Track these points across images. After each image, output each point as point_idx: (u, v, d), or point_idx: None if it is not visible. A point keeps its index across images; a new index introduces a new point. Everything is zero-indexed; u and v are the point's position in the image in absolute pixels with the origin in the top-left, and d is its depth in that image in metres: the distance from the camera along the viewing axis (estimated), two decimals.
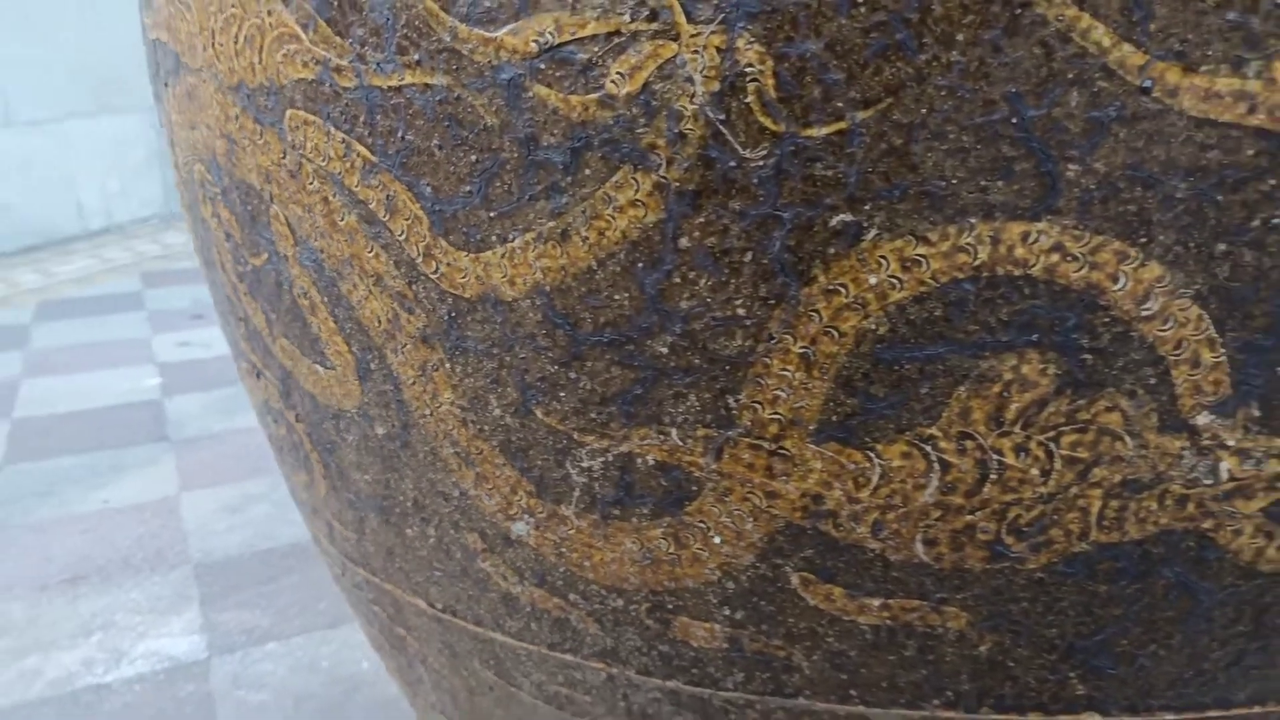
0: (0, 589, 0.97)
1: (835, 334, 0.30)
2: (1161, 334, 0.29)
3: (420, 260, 0.34)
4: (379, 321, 0.37)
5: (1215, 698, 0.36)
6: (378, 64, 0.33)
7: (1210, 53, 0.26)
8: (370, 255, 0.36)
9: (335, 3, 0.33)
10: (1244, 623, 0.34)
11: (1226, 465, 0.31)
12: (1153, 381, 0.30)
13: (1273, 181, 0.28)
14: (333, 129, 0.35)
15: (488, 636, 0.42)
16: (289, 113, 0.36)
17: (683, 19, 0.28)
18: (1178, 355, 0.29)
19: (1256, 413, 0.30)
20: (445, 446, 0.38)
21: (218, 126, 0.40)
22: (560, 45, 0.30)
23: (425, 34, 0.32)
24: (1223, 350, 0.29)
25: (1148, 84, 0.27)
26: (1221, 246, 0.28)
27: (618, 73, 0.29)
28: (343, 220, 0.36)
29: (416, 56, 0.32)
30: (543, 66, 0.30)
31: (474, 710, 0.47)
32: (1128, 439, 0.30)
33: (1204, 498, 0.31)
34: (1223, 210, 0.28)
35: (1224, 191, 0.28)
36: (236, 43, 0.37)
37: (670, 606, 0.36)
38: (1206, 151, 0.27)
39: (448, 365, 0.36)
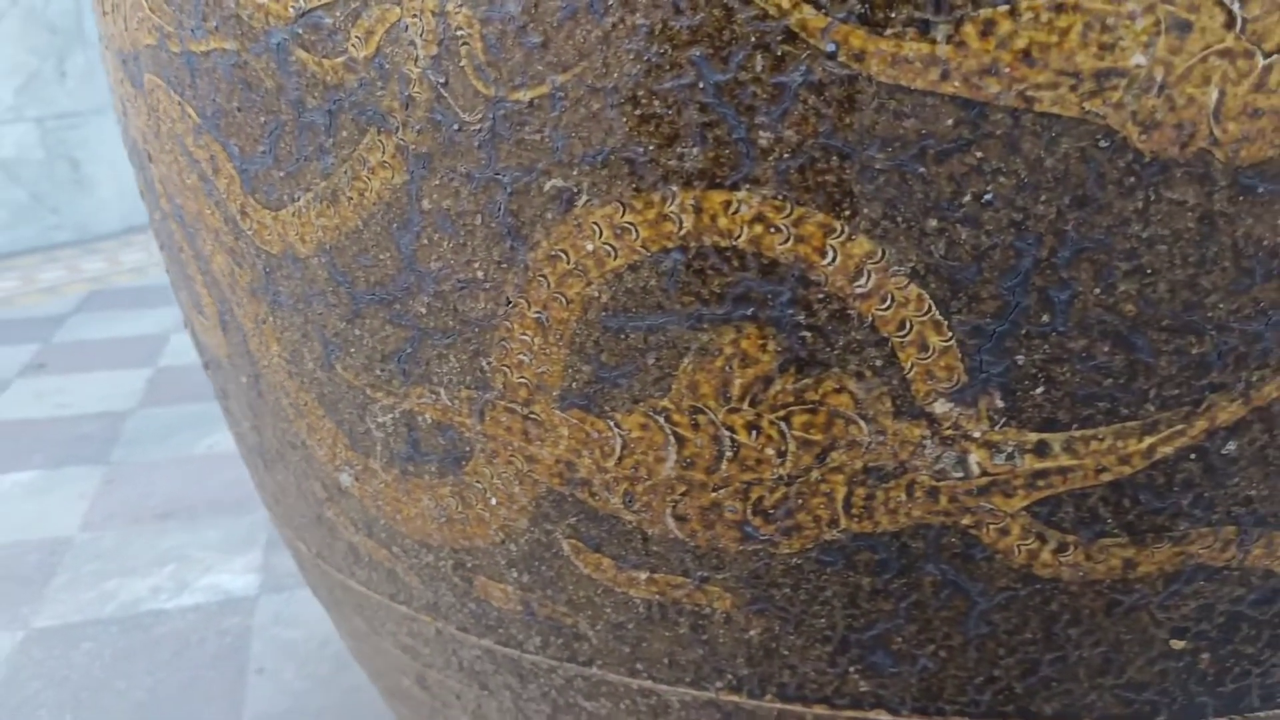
0: (102, 519, 1.06)
1: (563, 300, 0.30)
2: (881, 314, 0.28)
3: (239, 217, 0.36)
4: (223, 275, 0.39)
5: (1016, 708, 0.34)
6: (191, 30, 0.35)
7: (895, 15, 0.25)
8: (209, 212, 0.38)
9: None
10: (1031, 631, 0.32)
11: (975, 458, 0.29)
12: (879, 364, 0.28)
13: (979, 154, 0.26)
14: (171, 92, 0.37)
15: (347, 584, 0.44)
16: (146, 77, 0.38)
17: None
18: (902, 337, 0.28)
19: (1000, 403, 0.28)
20: (282, 397, 0.40)
21: (118, 91, 0.43)
22: (311, 10, 0.31)
23: (220, 1, 0.33)
24: (951, 334, 0.28)
25: (831, 48, 0.25)
26: (933, 222, 0.26)
27: (356, 36, 0.30)
28: (189, 179, 0.38)
29: (214, 23, 0.34)
30: (300, 31, 0.31)
31: (361, 656, 0.49)
32: (862, 423, 0.29)
33: (956, 492, 0.30)
34: (928, 184, 0.26)
35: (926, 163, 0.26)
36: (114, 12, 0.40)
37: (470, 565, 0.37)
38: (902, 120, 0.26)
39: (271, 319, 0.38)
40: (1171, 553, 0.31)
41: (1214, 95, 0.25)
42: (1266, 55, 0.24)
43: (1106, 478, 0.29)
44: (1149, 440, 0.29)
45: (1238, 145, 0.25)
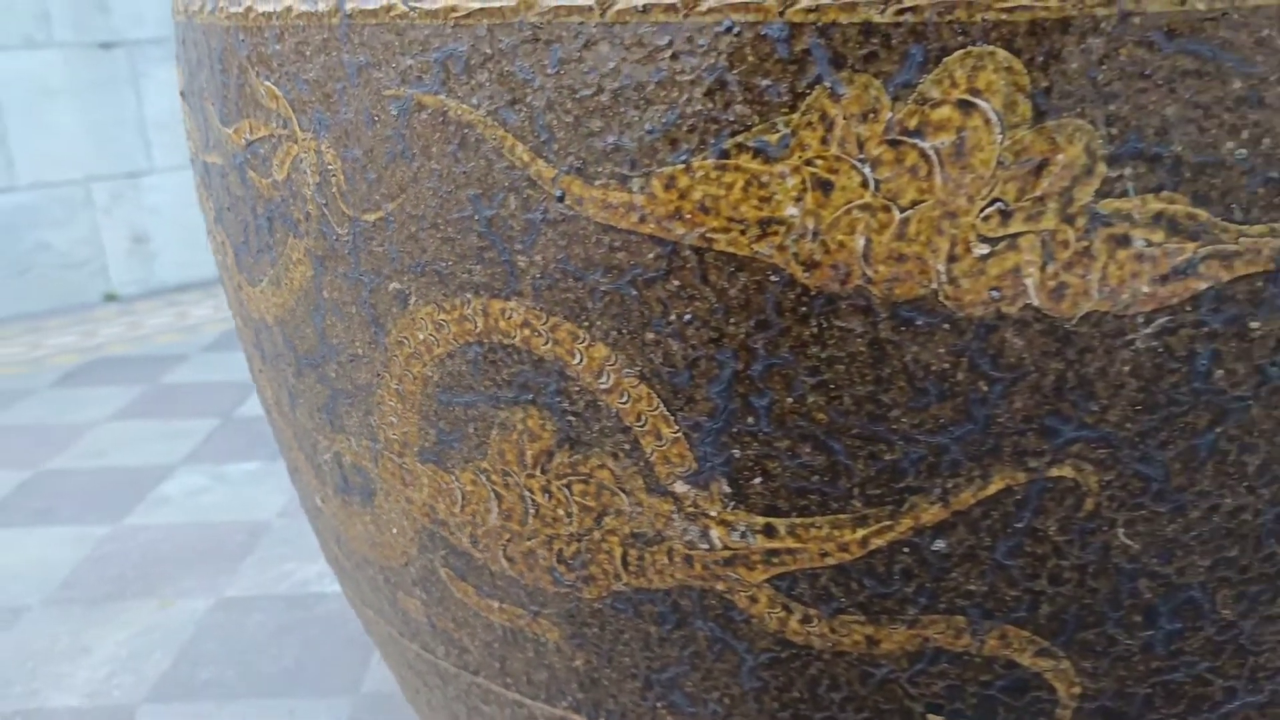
0: (296, 508, 1.23)
1: (411, 376, 0.38)
2: (622, 406, 0.33)
3: (237, 289, 0.46)
4: (240, 333, 0.50)
5: None
6: (203, 145, 0.45)
7: (601, 169, 0.31)
8: (228, 281, 0.48)
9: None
10: (798, 690, 0.36)
11: (716, 534, 0.34)
12: (628, 447, 0.34)
13: (677, 282, 0.31)
14: (202, 189, 0.48)
15: (338, 588, 0.53)
16: (195, 176, 0.49)
17: (298, 129, 0.37)
18: (641, 427, 0.33)
19: (727, 489, 0.33)
20: (281, 431, 0.49)
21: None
22: (253, 142, 0.40)
23: (215, 129, 0.43)
24: (678, 427, 0.33)
25: (559, 193, 0.32)
26: (650, 335, 0.32)
27: (276, 163, 0.39)
28: (218, 256, 0.49)
29: (212, 143, 0.44)
30: (249, 156, 0.41)
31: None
32: (623, 495, 0.35)
33: (707, 561, 0.35)
34: (642, 304, 0.32)
35: (638, 288, 0.32)
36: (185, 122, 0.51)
37: (392, 581, 0.45)
38: (615, 252, 0.31)
39: (264, 369, 0.47)
40: (909, 634, 0.34)
41: (861, 242, 0.29)
42: (903, 210, 0.28)
43: (831, 561, 0.33)
44: (861, 532, 0.33)
45: (890, 284, 0.29)
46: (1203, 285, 0.28)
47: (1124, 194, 0.28)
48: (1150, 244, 0.28)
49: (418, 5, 0.32)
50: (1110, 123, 0.27)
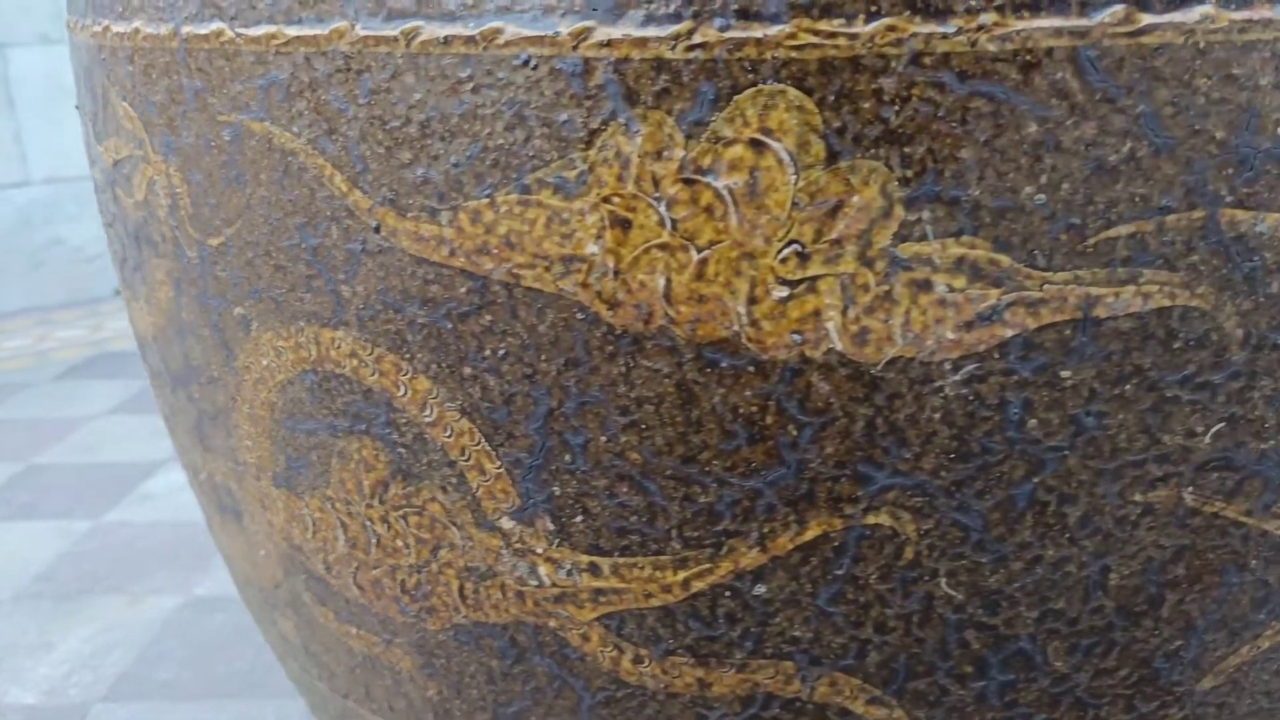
0: None
1: (259, 400, 0.37)
2: (446, 440, 0.33)
3: (128, 303, 0.46)
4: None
5: None
6: (89, 160, 0.45)
7: (412, 201, 0.30)
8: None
9: None
10: None
11: (544, 571, 0.33)
12: (455, 481, 0.33)
13: (489, 318, 0.30)
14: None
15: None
16: None
17: (150, 151, 0.37)
18: (465, 461, 0.33)
19: (551, 526, 0.33)
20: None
21: None
22: (119, 161, 0.40)
23: (89, 141, 0.43)
24: (500, 463, 0.32)
25: (375, 224, 0.31)
26: (467, 370, 0.31)
27: (135, 184, 0.39)
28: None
29: (95, 158, 0.44)
30: (115, 176, 0.41)
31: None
32: (454, 529, 0.34)
33: (538, 597, 0.34)
34: (459, 338, 0.31)
35: (453, 321, 0.31)
36: None
37: (270, 601, 0.45)
38: (430, 285, 0.31)
39: (153, 385, 0.47)
40: (738, 679, 0.33)
41: (661, 282, 0.28)
42: (700, 250, 0.28)
43: (655, 602, 0.33)
44: (682, 574, 0.32)
45: (693, 325, 0.28)
46: (1009, 333, 0.27)
47: (923, 238, 0.27)
48: (953, 289, 0.27)
49: (244, 32, 0.32)
50: (906, 164, 0.26)
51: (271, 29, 0.31)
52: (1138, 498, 0.29)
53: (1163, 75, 0.25)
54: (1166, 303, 0.27)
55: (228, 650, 0.95)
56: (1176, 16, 0.25)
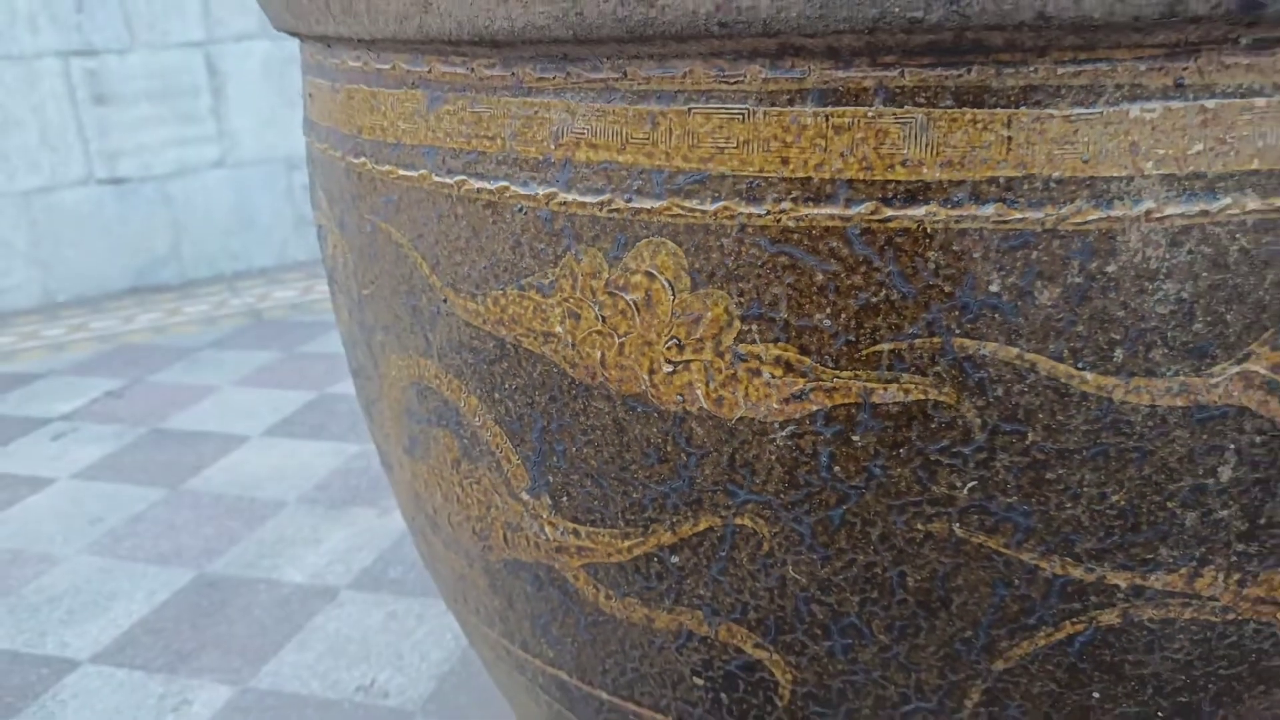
0: None
1: (391, 396, 0.56)
2: (488, 438, 0.50)
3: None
4: None
5: None
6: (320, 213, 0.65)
7: (463, 287, 0.47)
8: None
9: None
10: (614, 645, 0.51)
11: (548, 530, 0.50)
12: (495, 465, 0.50)
13: (506, 365, 0.47)
14: None
15: None
16: None
17: (335, 228, 0.56)
18: (499, 453, 0.50)
19: (549, 501, 0.49)
20: None
21: None
22: (320, 227, 0.59)
23: (313, 200, 0.63)
24: (519, 457, 0.49)
25: (444, 298, 0.48)
26: (496, 395, 0.48)
27: (326, 245, 0.58)
28: None
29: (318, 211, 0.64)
30: (319, 236, 0.60)
31: None
32: (497, 496, 0.51)
33: (546, 547, 0.51)
34: (490, 375, 0.48)
35: (486, 364, 0.48)
36: None
37: (417, 526, 0.64)
38: (474, 340, 0.48)
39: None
40: (669, 618, 0.48)
41: (599, 354, 0.43)
42: (620, 336, 0.43)
43: (613, 560, 0.48)
44: (626, 543, 0.47)
45: (619, 383, 0.44)
46: (813, 407, 0.41)
47: (754, 342, 0.40)
48: (774, 377, 0.41)
49: (377, 168, 0.49)
50: (740, 295, 0.40)
51: (397, 170, 0.48)
52: (920, 527, 0.42)
53: (903, 248, 0.37)
54: (921, 397, 0.39)
55: None
56: (909, 210, 0.37)
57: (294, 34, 0.55)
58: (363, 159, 0.50)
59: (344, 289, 0.57)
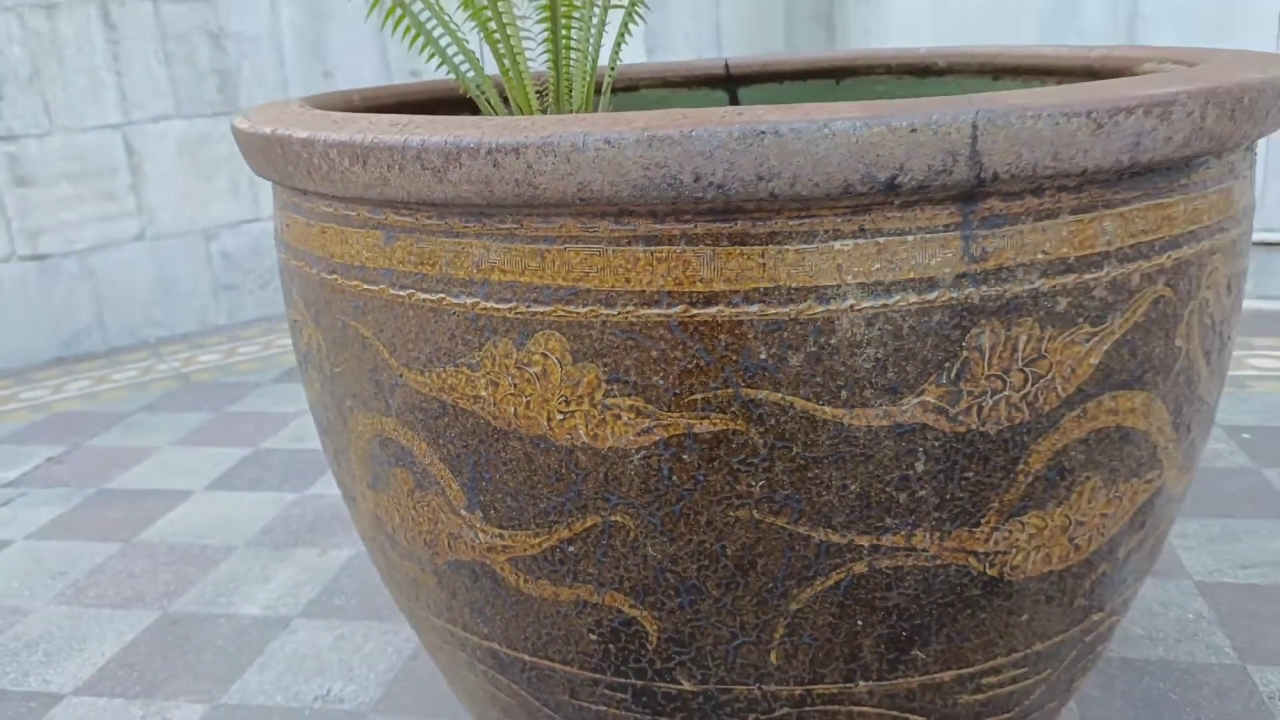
0: None
1: (357, 446, 0.75)
2: (435, 472, 0.69)
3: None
4: None
5: None
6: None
7: (414, 364, 0.67)
8: None
9: None
10: (533, 620, 0.71)
11: (480, 535, 0.70)
12: (441, 491, 0.70)
13: (446, 419, 0.67)
14: None
15: None
16: None
17: (309, 322, 0.75)
18: (443, 483, 0.69)
19: (480, 514, 0.69)
20: None
21: None
22: (295, 320, 0.78)
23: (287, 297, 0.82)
24: (458, 484, 0.69)
25: (400, 375, 0.68)
26: (440, 441, 0.68)
27: (301, 335, 0.77)
28: None
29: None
30: (295, 322, 0.79)
31: None
32: (443, 513, 0.71)
33: (479, 548, 0.70)
34: (435, 428, 0.68)
35: (431, 419, 0.68)
36: None
37: (377, 546, 0.83)
38: (424, 403, 0.68)
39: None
40: (570, 592, 0.68)
41: (512, 408, 0.64)
42: (525, 396, 0.63)
43: (529, 553, 0.68)
44: (536, 540, 0.67)
45: (528, 427, 0.64)
46: (656, 438, 0.61)
47: (615, 396, 0.61)
48: (630, 419, 0.61)
49: (344, 282, 0.69)
50: (605, 366, 0.61)
51: (362, 284, 0.68)
52: (731, 514, 0.63)
53: (704, 333, 0.59)
54: (725, 428, 0.60)
55: (382, 589, 1.36)
56: (706, 310, 0.58)
57: (274, 182, 0.75)
58: (335, 275, 0.70)
59: (317, 367, 0.76)
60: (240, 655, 1.23)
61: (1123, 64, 0.96)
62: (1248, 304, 2.26)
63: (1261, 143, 2.23)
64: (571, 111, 0.95)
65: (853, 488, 0.62)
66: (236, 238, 2.63)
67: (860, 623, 0.66)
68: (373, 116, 0.66)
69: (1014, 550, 0.66)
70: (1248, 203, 0.72)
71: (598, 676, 0.72)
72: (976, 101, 0.55)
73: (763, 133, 0.53)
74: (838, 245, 0.57)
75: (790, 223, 0.57)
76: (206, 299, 2.61)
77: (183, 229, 2.56)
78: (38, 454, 1.89)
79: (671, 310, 0.59)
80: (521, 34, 0.94)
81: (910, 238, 0.57)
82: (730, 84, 1.25)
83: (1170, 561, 1.30)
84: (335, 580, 1.40)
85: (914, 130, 0.53)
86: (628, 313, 0.59)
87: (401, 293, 0.66)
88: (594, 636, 0.70)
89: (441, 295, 0.64)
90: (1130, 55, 0.96)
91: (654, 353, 0.60)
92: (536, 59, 0.96)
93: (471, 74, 0.95)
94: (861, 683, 0.69)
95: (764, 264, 0.57)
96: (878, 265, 0.57)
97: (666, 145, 0.54)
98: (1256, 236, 2.24)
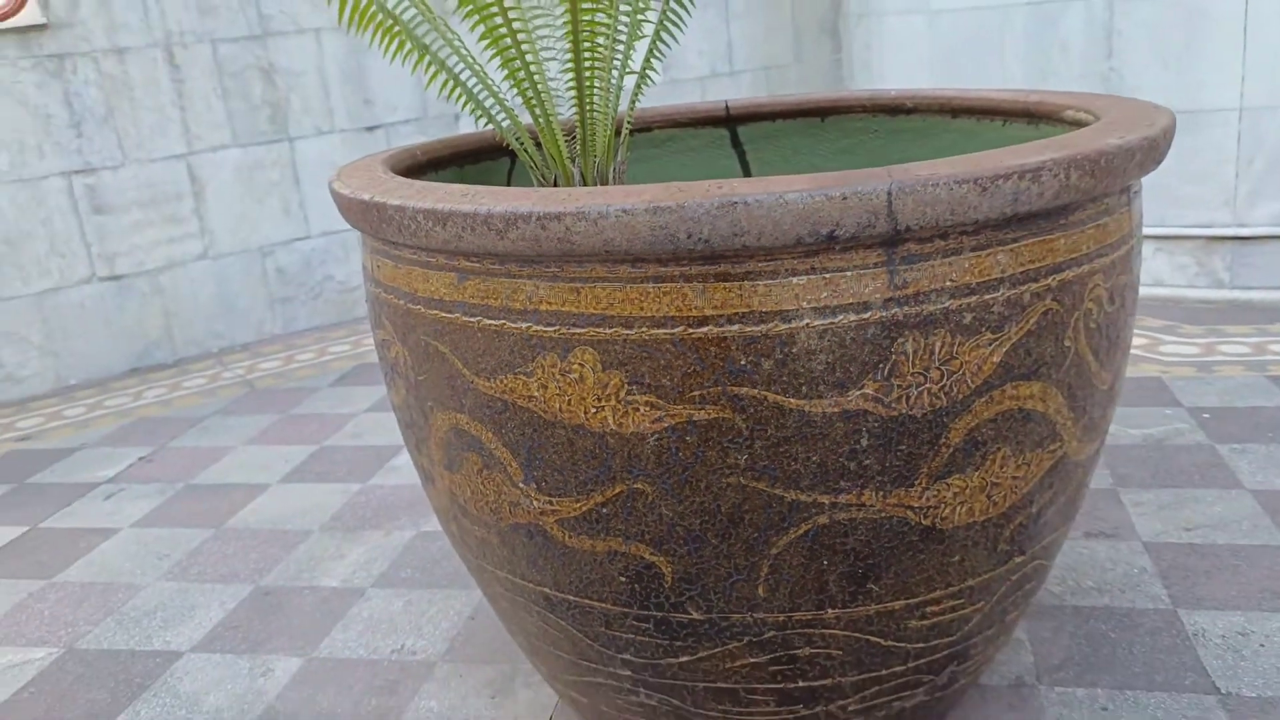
0: None
1: (436, 436, 0.97)
2: (500, 455, 0.91)
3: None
4: None
5: None
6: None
7: (481, 372, 0.88)
8: None
9: None
10: (576, 570, 0.93)
11: (535, 502, 0.91)
12: (504, 469, 0.91)
13: (509, 413, 0.88)
14: None
15: None
16: None
17: (395, 340, 0.97)
18: (507, 463, 0.91)
19: (535, 487, 0.90)
20: None
21: None
22: (384, 340, 1.00)
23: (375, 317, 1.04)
24: (518, 464, 0.90)
25: (472, 380, 0.90)
26: (504, 431, 0.89)
27: (388, 350, 0.99)
28: None
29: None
30: (381, 337, 1.01)
31: None
32: (506, 487, 0.92)
33: (534, 512, 0.92)
34: (501, 421, 0.89)
35: (497, 414, 0.89)
36: None
37: (452, 515, 1.05)
38: (491, 400, 0.89)
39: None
40: (605, 545, 0.90)
41: (559, 404, 0.85)
42: (568, 395, 0.84)
43: (572, 514, 0.89)
44: (579, 504, 0.89)
45: (569, 417, 0.85)
46: (666, 424, 0.82)
47: (635, 394, 0.82)
48: (646, 411, 0.82)
49: (416, 308, 0.91)
50: (627, 372, 0.82)
51: (441, 313, 0.90)
52: (724, 480, 0.83)
53: (699, 347, 0.80)
54: (717, 416, 0.81)
55: (442, 562, 1.59)
56: (700, 329, 0.79)
57: (365, 233, 0.96)
58: (418, 305, 0.92)
59: (403, 376, 0.98)
60: (326, 619, 1.46)
61: (1053, 108, 1.16)
62: (1224, 294, 2.45)
63: (1234, 142, 2.41)
64: (594, 153, 1.16)
65: (814, 459, 0.82)
66: (289, 254, 2.87)
67: (825, 563, 0.87)
68: (449, 187, 0.87)
69: (943, 505, 0.87)
70: (1126, 231, 0.92)
71: (626, 610, 0.93)
72: (895, 173, 0.76)
73: (735, 203, 0.74)
74: (795, 280, 0.78)
75: (759, 265, 0.77)
76: (263, 312, 2.85)
77: (240, 248, 2.79)
78: (129, 455, 2.12)
79: (674, 330, 0.80)
80: (549, 80, 1.15)
81: (849, 273, 0.78)
82: (731, 123, 1.46)
83: (1123, 525, 1.50)
84: (401, 556, 1.62)
85: (845, 198, 0.74)
86: (642, 332, 0.80)
87: (471, 319, 0.87)
88: (623, 579, 0.91)
89: (502, 321, 0.85)
90: (1058, 101, 1.16)
91: (662, 361, 0.81)
92: (564, 108, 1.17)
93: (508, 123, 1.16)
94: (830, 610, 0.90)
95: (741, 295, 0.78)
96: (826, 294, 0.78)
97: (667, 212, 0.75)
98: (1231, 231, 2.42)
